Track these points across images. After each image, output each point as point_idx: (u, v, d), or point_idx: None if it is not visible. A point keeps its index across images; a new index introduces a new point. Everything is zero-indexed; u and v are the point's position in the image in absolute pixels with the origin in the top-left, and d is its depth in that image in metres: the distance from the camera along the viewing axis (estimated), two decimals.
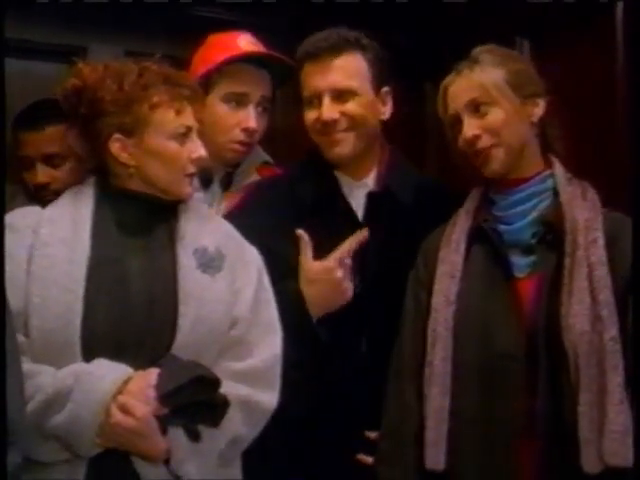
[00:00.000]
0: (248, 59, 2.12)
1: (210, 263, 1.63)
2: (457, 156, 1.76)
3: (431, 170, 3.25)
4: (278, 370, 1.67)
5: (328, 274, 1.75)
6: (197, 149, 1.64)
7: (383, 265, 1.87)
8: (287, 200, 1.91)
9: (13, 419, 1.30)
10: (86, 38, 3.28)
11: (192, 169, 1.65)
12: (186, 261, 1.62)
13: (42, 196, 2.25)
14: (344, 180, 1.92)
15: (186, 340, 1.56)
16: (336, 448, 1.85)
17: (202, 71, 2.06)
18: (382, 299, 1.85)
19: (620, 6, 2.36)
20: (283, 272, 1.76)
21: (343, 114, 1.86)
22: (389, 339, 1.79)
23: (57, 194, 2.23)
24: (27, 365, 1.49)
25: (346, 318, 1.84)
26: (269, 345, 1.66)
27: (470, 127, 1.70)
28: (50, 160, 2.25)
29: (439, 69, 3.31)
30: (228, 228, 1.73)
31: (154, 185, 1.63)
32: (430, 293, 1.74)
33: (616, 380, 1.55)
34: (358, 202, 1.91)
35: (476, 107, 1.71)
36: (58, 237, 1.58)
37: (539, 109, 1.72)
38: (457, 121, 1.74)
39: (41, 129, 2.25)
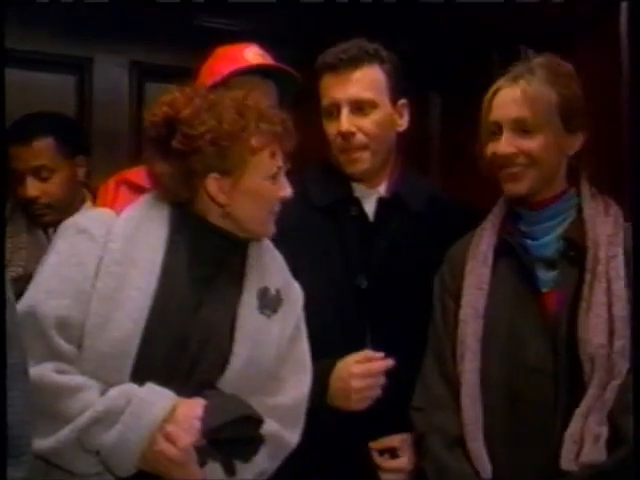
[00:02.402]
0: (254, 70, 2.13)
1: (269, 304, 1.62)
2: (483, 163, 1.74)
3: (435, 178, 3.25)
4: (304, 409, 1.66)
5: (347, 379, 1.77)
6: (285, 188, 1.61)
7: (390, 267, 1.90)
8: (298, 203, 1.93)
9: (18, 435, 1.28)
10: (91, 49, 3.30)
11: (278, 207, 1.63)
12: (249, 301, 1.60)
13: (32, 210, 2.28)
14: (357, 187, 1.96)
15: (233, 378, 1.55)
16: (346, 449, 1.85)
17: (209, 82, 2.07)
18: (387, 298, 1.87)
19: (624, 6, 2.36)
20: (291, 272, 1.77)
21: (361, 130, 1.88)
22: (393, 337, 1.82)
23: (48, 207, 2.25)
24: (76, 378, 1.48)
25: (352, 316, 1.87)
26: (299, 384, 1.66)
27: (508, 144, 1.67)
28: (38, 173, 2.26)
29: (443, 79, 3.34)
30: (284, 266, 1.72)
31: (243, 224, 1.60)
32: (457, 303, 1.74)
33: (611, 387, 1.56)
34: (369, 208, 1.94)
35: (522, 126, 1.65)
36: (129, 258, 1.53)
37: (578, 143, 1.70)
38: (497, 129, 1.68)
39: (29, 142, 2.25)
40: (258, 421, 1.53)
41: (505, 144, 1.67)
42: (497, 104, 1.70)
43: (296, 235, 1.87)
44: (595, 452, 1.54)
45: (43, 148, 2.26)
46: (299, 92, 2.11)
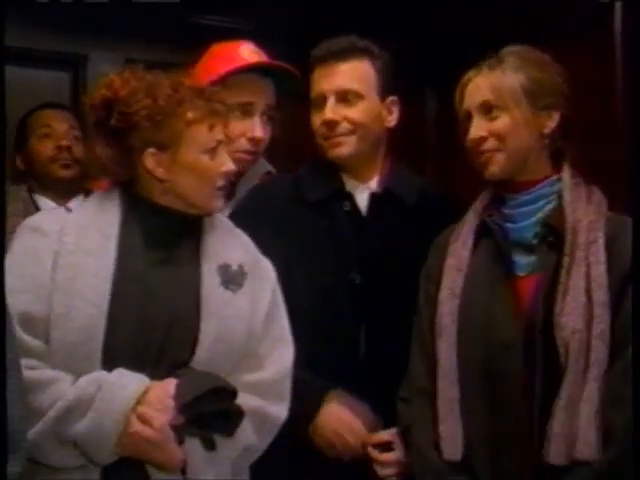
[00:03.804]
0: (251, 69, 2.11)
1: (233, 280, 1.62)
2: (466, 152, 1.75)
3: (430, 175, 3.26)
4: (288, 383, 1.65)
5: (336, 434, 1.78)
6: (226, 162, 1.61)
7: (383, 262, 1.89)
8: (290, 200, 1.94)
9: (15, 430, 1.28)
10: (87, 46, 3.30)
11: (222, 182, 1.62)
12: (210, 277, 1.60)
13: (60, 160, 2.45)
14: (349, 182, 1.96)
15: (205, 356, 1.54)
16: None
17: (205, 81, 2.06)
18: (381, 292, 1.86)
19: (618, 5, 2.37)
20: (282, 274, 1.78)
21: (346, 118, 1.89)
22: (388, 331, 1.82)
23: (75, 161, 2.46)
24: (46, 372, 1.49)
25: (347, 311, 1.86)
26: (280, 358, 1.65)
27: (478, 128, 1.71)
28: (73, 131, 2.50)
29: (439, 75, 3.35)
30: (247, 242, 1.71)
31: (186, 199, 1.61)
32: (438, 287, 1.75)
33: (592, 375, 1.57)
34: (362, 203, 1.93)
35: (487, 109, 1.70)
36: (84, 247, 1.55)
37: (552, 122, 1.70)
38: (469, 118, 1.74)
39: (62, 108, 2.64)
40: (232, 392, 1.53)
41: (474, 129, 1.71)
42: (466, 94, 1.74)
43: (290, 231, 1.87)
44: (587, 449, 1.55)
45: (72, 115, 2.59)
46: (298, 89, 2.11)
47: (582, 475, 1.55)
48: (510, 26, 2.70)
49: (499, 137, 1.69)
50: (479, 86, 1.71)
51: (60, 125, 2.50)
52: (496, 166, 1.70)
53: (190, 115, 1.56)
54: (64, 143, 2.46)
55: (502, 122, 1.69)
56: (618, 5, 2.37)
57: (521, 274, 1.69)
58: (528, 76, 1.69)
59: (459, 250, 1.75)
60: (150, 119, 1.55)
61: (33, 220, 1.62)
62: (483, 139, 1.70)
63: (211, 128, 1.58)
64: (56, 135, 2.47)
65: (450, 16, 3.05)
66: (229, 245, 1.66)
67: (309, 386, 1.71)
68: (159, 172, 1.57)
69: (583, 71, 2.31)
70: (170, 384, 1.49)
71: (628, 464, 1.50)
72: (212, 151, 1.59)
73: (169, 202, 1.61)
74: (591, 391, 1.56)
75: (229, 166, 1.62)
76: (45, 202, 2.42)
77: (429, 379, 1.72)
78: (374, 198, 1.93)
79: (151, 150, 1.56)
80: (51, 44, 3.23)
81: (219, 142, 1.60)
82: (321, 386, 1.78)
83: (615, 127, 2.34)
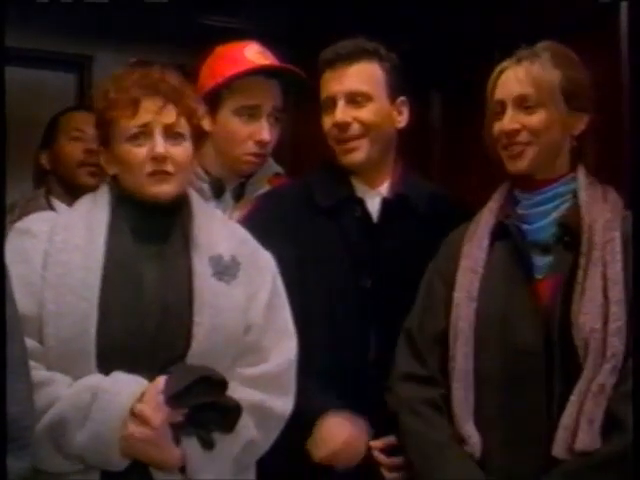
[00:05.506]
0: (257, 71, 2.09)
1: (225, 271, 1.62)
2: (489, 144, 1.77)
3: (436, 178, 3.25)
4: (292, 375, 1.65)
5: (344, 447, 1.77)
6: (157, 145, 1.59)
7: (394, 267, 1.90)
8: (301, 205, 1.94)
9: (24, 426, 1.30)
10: (92, 47, 3.31)
11: (150, 168, 1.60)
12: (201, 269, 1.61)
13: (87, 166, 2.50)
14: (359, 187, 1.96)
15: (201, 349, 1.55)
16: None
17: (211, 85, 2.06)
18: (391, 297, 1.87)
19: (624, 6, 2.36)
20: (294, 278, 1.78)
21: (356, 120, 1.89)
22: (397, 336, 1.81)
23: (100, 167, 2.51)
24: (41, 373, 1.49)
25: (356, 315, 1.87)
26: (283, 350, 1.65)
27: (512, 120, 1.71)
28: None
29: (444, 77, 3.35)
30: (242, 233, 1.73)
31: (132, 191, 1.63)
32: (449, 285, 1.76)
33: (606, 370, 1.56)
34: (373, 208, 1.95)
35: (524, 103, 1.70)
36: (72, 244, 1.58)
37: (582, 124, 1.73)
38: (501, 108, 1.73)
39: None
40: (221, 382, 1.53)
41: (509, 121, 1.71)
42: (501, 83, 1.74)
43: (301, 236, 1.88)
44: (588, 438, 1.54)
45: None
46: (304, 90, 2.11)
47: (580, 464, 1.54)
48: (510, 28, 2.71)
49: (533, 132, 1.69)
50: (518, 77, 1.71)
51: (91, 129, 2.48)
52: (525, 160, 1.71)
53: (113, 113, 1.61)
54: (94, 147, 2.45)
55: (539, 117, 1.69)
56: (624, 5, 2.36)
57: (539, 276, 1.68)
58: (565, 75, 1.70)
59: (475, 251, 1.74)
60: (97, 118, 1.66)
61: (22, 223, 1.65)
62: (517, 131, 1.70)
63: (132, 116, 1.60)
64: (87, 138, 2.48)
65: (451, 17, 3.04)
66: (220, 236, 1.66)
67: (309, 401, 1.70)
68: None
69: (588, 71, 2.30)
70: (160, 380, 1.50)
71: (631, 456, 1.49)
72: (138, 138, 1.60)
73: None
74: (604, 385, 1.55)
75: (159, 149, 1.59)
76: (61, 208, 2.38)
77: (414, 367, 1.73)
78: (385, 203, 1.93)
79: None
80: (56, 45, 3.23)
81: (145, 126, 1.59)
82: (321, 402, 1.77)
83: (621, 126, 2.33)
